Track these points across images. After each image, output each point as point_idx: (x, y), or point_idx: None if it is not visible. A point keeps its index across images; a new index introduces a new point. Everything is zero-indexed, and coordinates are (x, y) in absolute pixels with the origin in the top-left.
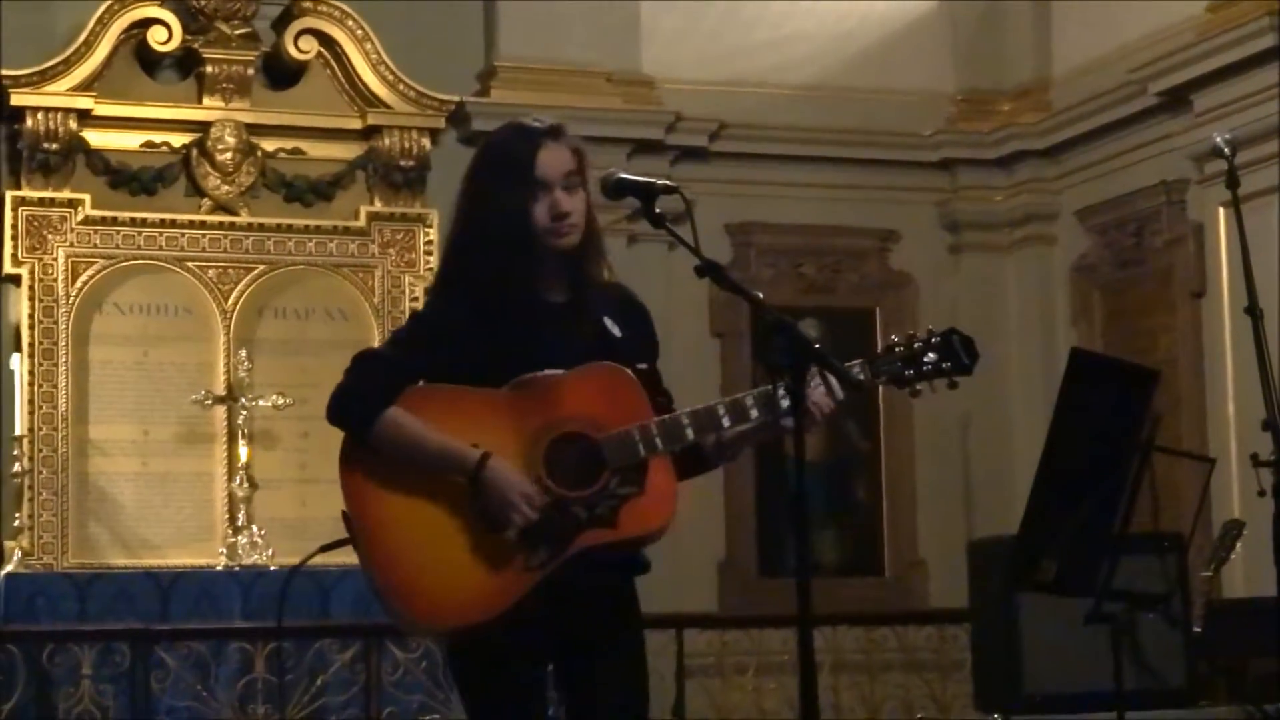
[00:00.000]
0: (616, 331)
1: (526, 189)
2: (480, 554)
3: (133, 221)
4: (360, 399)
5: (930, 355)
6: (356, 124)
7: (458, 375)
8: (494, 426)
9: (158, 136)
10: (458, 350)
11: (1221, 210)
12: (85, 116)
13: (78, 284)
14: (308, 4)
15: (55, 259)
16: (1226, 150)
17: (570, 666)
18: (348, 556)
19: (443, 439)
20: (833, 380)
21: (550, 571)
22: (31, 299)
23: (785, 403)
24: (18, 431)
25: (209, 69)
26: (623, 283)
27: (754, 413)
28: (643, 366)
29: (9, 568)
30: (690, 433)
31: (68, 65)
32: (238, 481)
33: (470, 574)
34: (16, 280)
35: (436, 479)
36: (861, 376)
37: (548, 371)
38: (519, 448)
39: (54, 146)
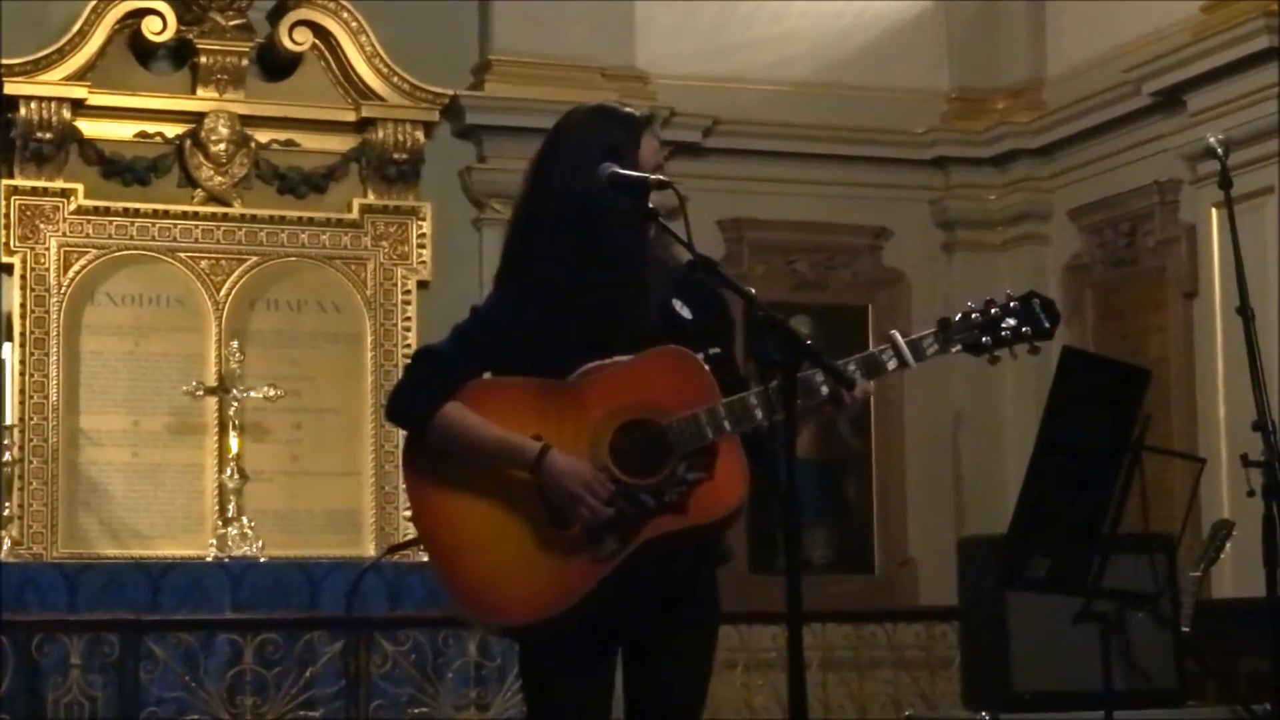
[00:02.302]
0: (686, 314)
1: (636, 157)
2: (548, 547)
3: (125, 212)
4: (418, 395)
5: (1009, 320)
6: (350, 116)
7: (520, 367)
8: (558, 417)
9: (151, 127)
10: (518, 342)
11: (1214, 211)
12: (79, 106)
13: (70, 274)
14: None
15: (47, 248)
16: (1219, 151)
17: (635, 661)
18: (340, 549)
19: (501, 433)
20: (904, 348)
21: (620, 562)
22: (23, 288)
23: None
24: (8, 421)
25: (203, 60)
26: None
27: (824, 390)
28: (715, 351)
29: None
30: (759, 413)
31: (62, 55)
32: (228, 473)
33: (539, 568)
34: (9, 269)
35: (499, 473)
36: (934, 347)
37: (613, 359)
38: (585, 438)
39: (47, 136)
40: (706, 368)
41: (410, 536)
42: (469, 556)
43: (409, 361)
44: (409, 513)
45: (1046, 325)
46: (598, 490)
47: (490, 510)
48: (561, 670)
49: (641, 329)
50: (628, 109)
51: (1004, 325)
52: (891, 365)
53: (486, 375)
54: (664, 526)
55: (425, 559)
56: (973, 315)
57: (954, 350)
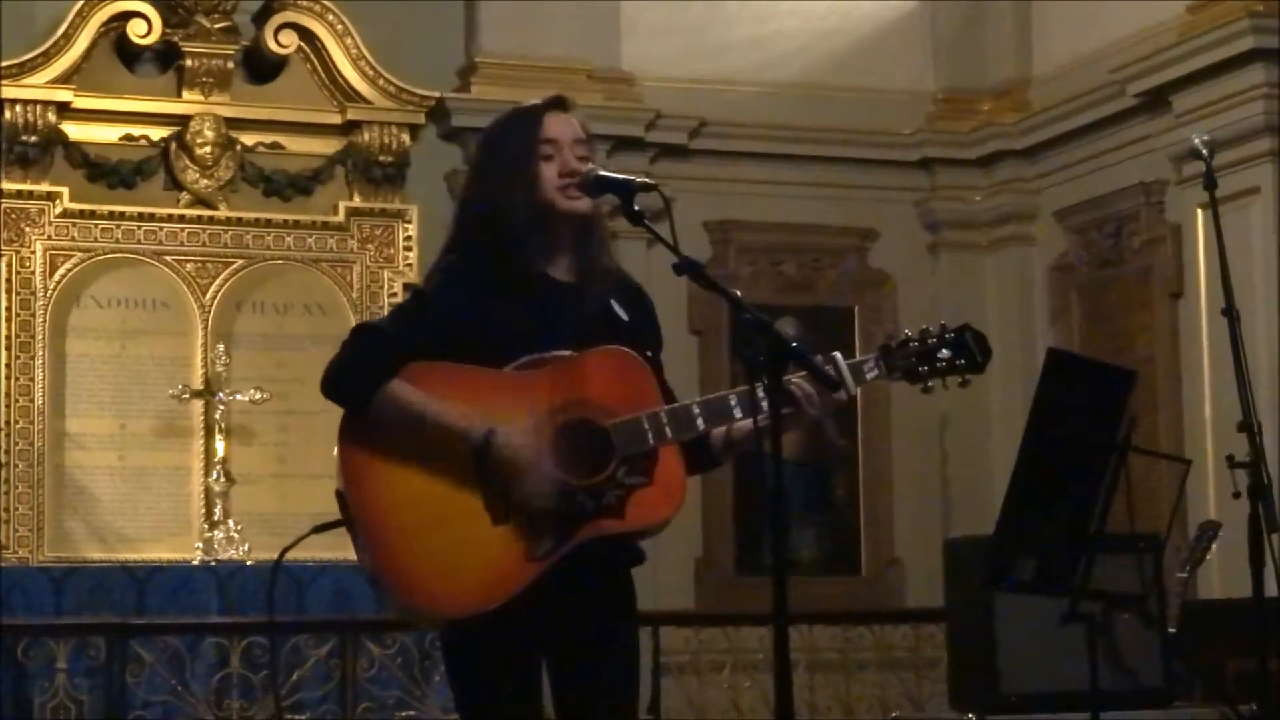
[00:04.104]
0: (624, 315)
1: (535, 150)
2: (484, 541)
3: (111, 215)
4: (358, 371)
5: (944, 351)
6: (336, 119)
7: (459, 352)
8: (500, 408)
9: (137, 130)
10: (460, 326)
11: (1200, 211)
12: (64, 109)
13: (55, 277)
14: None
15: (33, 252)
16: (1205, 152)
17: (564, 661)
18: (327, 551)
19: (447, 410)
20: (846, 371)
21: (555, 561)
22: (9, 292)
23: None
24: None
25: (189, 62)
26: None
27: (765, 404)
28: (649, 354)
29: None
30: (701, 423)
31: (47, 57)
32: (215, 476)
33: (472, 561)
34: None
35: (443, 461)
36: (875, 372)
37: (555, 352)
38: (526, 432)
39: (33, 139)
40: (650, 371)
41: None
42: (404, 544)
43: (347, 337)
44: (340, 490)
45: (979, 359)
46: (543, 472)
47: (429, 499)
48: (488, 671)
49: (577, 328)
50: (533, 102)
51: (940, 356)
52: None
53: (421, 360)
54: (601, 529)
55: (354, 543)
56: (911, 344)
57: (895, 376)
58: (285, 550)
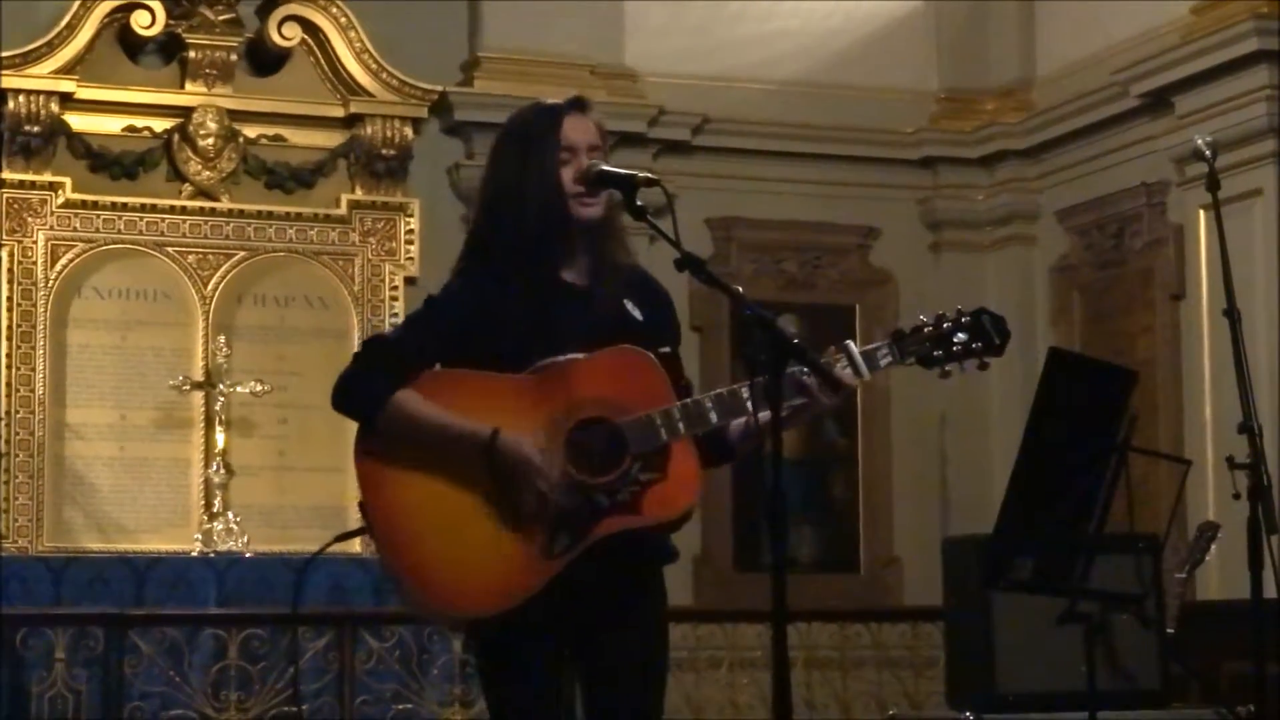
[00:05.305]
0: (637, 314)
1: (554, 153)
2: (501, 541)
3: (113, 206)
4: (366, 383)
5: (960, 335)
6: (339, 112)
7: (473, 358)
8: (513, 412)
9: (140, 121)
10: (471, 333)
11: (1202, 213)
12: (67, 100)
13: (57, 267)
14: None
15: (35, 242)
16: (1207, 153)
17: (588, 658)
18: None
19: (453, 418)
20: (858, 358)
21: (572, 559)
22: (10, 281)
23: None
24: None
25: (192, 54)
26: (643, 266)
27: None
28: (665, 350)
29: None
30: (714, 416)
31: (51, 48)
32: (214, 468)
33: (491, 561)
34: None
35: (456, 465)
36: (888, 358)
37: (568, 356)
38: (540, 433)
39: (36, 129)
40: (662, 368)
41: (359, 525)
42: (422, 547)
43: (357, 349)
44: (359, 499)
45: (997, 342)
46: (548, 473)
47: (444, 501)
48: (513, 669)
49: (592, 331)
50: (553, 100)
51: (956, 340)
52: (845, 375)
53: (437, 366)
54: (617, 525)
55: (375, 549)
56: (925, 329)
57: (908, 363)
58: (316, 553)
